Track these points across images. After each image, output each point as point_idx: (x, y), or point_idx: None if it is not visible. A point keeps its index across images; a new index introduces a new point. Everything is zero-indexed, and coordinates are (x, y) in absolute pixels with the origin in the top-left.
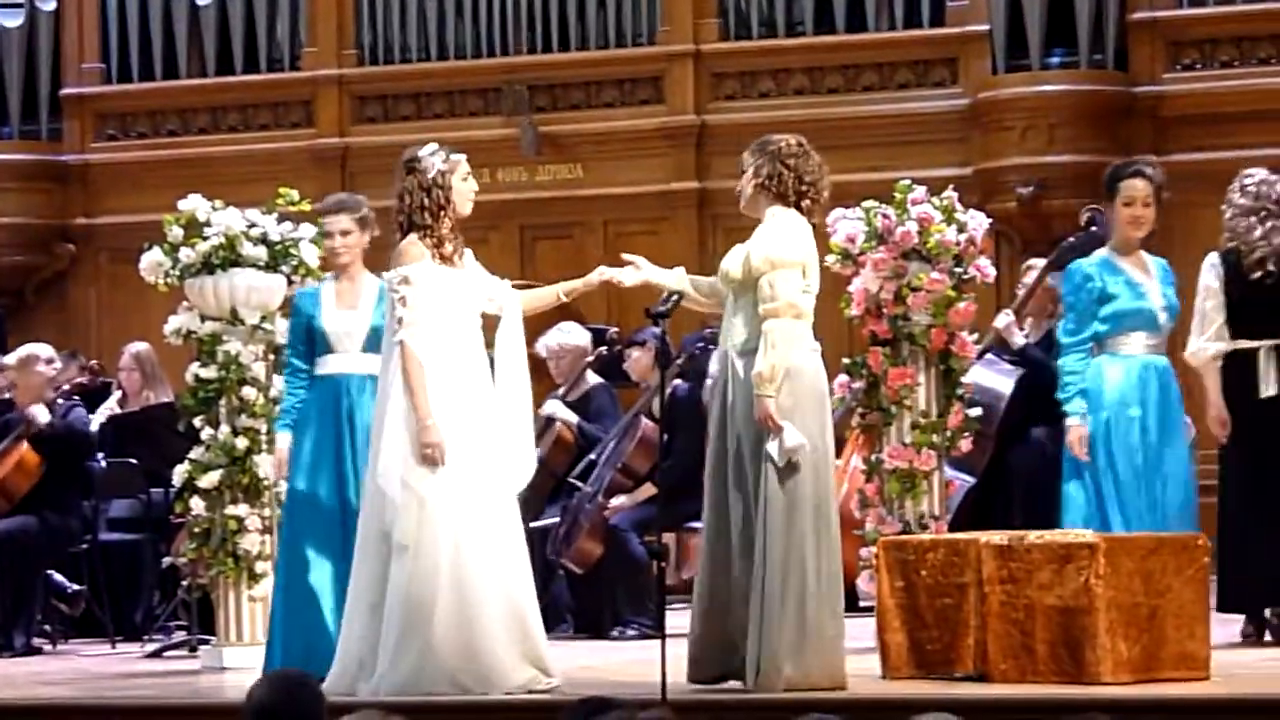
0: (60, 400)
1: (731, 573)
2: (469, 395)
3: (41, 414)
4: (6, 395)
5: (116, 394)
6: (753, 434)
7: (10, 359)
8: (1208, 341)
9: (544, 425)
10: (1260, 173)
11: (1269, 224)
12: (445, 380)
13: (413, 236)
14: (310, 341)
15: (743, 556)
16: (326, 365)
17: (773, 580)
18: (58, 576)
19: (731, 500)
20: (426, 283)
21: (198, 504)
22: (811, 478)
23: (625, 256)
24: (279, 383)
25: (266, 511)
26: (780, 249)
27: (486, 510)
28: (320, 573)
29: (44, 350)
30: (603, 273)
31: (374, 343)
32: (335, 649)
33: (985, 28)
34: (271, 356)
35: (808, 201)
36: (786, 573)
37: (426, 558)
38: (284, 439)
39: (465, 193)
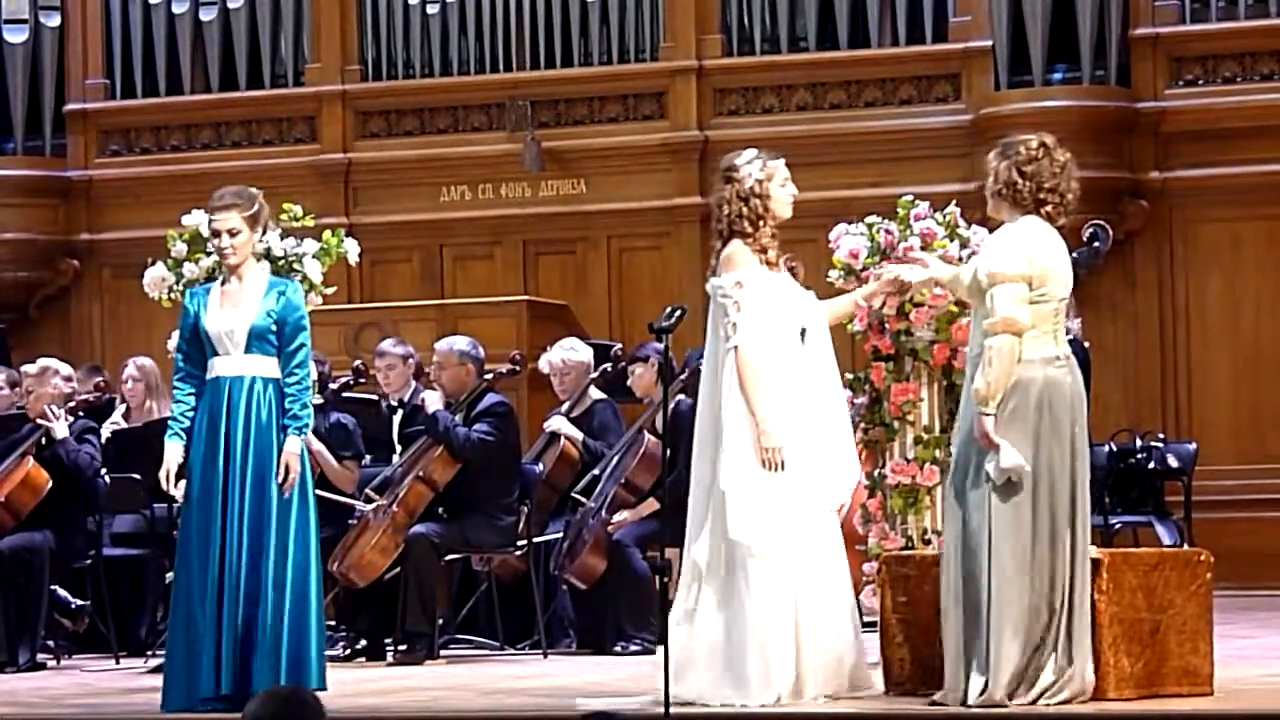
0: (72, 417)
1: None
2: (798, 399)
3: (60, 428)
4: (15, 410)
5: (121, 408)
6: (974, 450)
7: (31, 368)
8: None
9: (548, 440)
10: None
11: None
12: (777, 384)
13: (737, 242)
14: (199, 344)
15: (962, 573)
16: (214, 368)
17: (981, 598)
18: (62, 592)
19: (956, 517)
20: (757, 287)
21: None
22: (1034, 496)
23: (913, 255)
24: None
25: None
26: (1001, 262)
27: (819, 517)
28: (200, 584)
29: (62, 367)
30: (889, 270)
31: (257, 344)
32: (217, 663)
33: (988, 43)
34: None
35: (1049, 208)
36: (1003, 593)
37: (777, 564)
38: (173, 449)
39: (784, 198)
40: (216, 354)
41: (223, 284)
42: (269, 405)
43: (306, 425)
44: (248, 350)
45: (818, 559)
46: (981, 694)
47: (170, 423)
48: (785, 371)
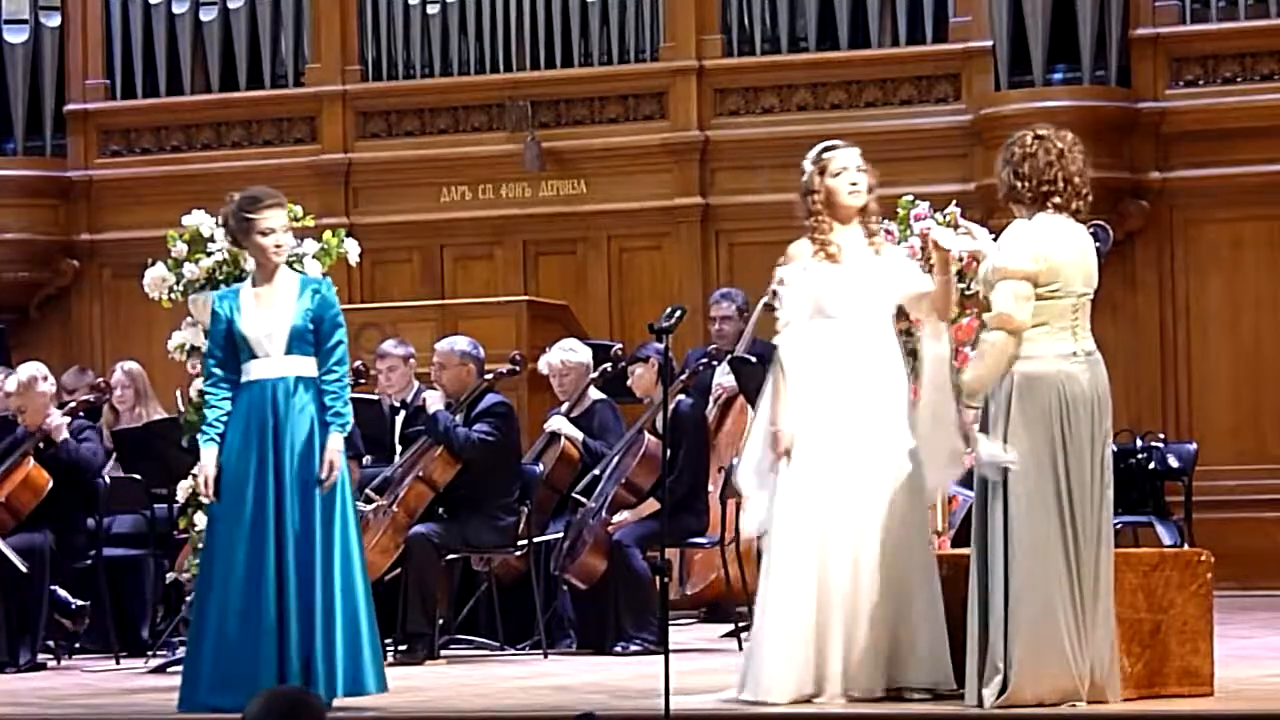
0: (71, 418)
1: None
2: (848, 392)
3: (61, 430)
4: (8, 414)
5: (111, 416)
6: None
7: (10, 384)
8: None
9: (548, 441)
10: None
11: None
12: (816, 378)
13: (802, 239)
14: (232, 347)
15: (979, 573)
16: (250, 371)
17: (995, 593)
18: (62, 592)
19: (976, 517)
20: (799, 283)
21: (201, 519)
22: (1055, 494)
23: (963, 224)
24: None
25: None
26: (1005, 258)
27: (846, 515)
28: (238, 593)
29: (39, 368)
30: (931, 234)
31: (297, 344)
32: (257, 671)
33: (988, 43)
34: None
35: (1057, 198)
36: (1023, 592)
37: (793, 561)
38: (209, 455)
39: (840, 188)
40: (255, 357)
41: (254, 285)
42: (311, 405)
43: (347, 422)
44: (288, 351)
45: (858, 557)
46: (999, 696)
47: (205, 428)
48: (822, 367)
